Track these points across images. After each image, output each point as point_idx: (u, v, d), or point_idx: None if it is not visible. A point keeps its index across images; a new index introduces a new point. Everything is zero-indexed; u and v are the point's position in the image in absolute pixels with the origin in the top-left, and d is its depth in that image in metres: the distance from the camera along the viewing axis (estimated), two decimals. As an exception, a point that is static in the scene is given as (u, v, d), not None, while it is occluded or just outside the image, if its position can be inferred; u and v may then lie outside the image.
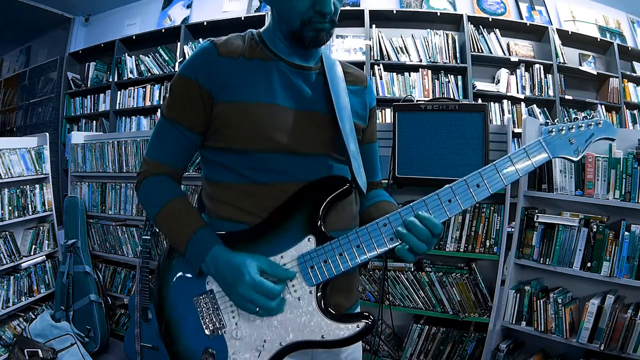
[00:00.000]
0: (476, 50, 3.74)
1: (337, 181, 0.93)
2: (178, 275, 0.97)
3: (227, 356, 0.89)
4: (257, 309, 0.84)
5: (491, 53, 3.78)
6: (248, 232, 0.92)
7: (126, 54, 4.51)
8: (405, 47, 3.81)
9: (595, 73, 3.94)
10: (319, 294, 0.88)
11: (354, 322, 0.87)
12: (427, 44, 3.80)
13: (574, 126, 0.86)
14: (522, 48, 3.90)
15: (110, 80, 4.56)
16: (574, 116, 0.87)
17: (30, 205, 3.07)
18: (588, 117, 0.87)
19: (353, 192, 0.97)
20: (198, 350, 0.91)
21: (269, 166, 0.92)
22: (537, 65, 3.79)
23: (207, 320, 0.91)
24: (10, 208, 2.91)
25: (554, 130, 0.86)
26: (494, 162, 0.85)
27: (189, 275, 0.94)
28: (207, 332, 0.91)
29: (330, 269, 0.87)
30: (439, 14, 3.79)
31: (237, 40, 0.96)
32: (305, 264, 0.88)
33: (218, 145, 0.94)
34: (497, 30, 3.86)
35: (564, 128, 0.86)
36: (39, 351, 2.58)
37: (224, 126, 0.92)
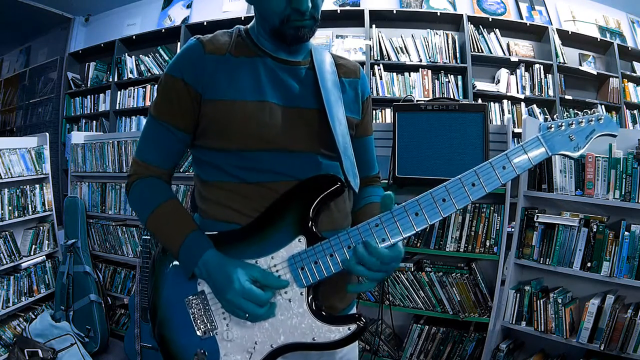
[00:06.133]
0: (476, 50, 3.74)
1: (328, 180, 0.90)
2: (170, 275, 0.96)
3: (218, 357, 0.88)
4: (247, 315, 0.84)
5: (491, 53, 3.79)
6: (239, 233, 0.90)
7: (126, 54, 4.51)
8: (405, 47, 3.81)
9: (595, 73, 3.94)
10: (310, 296, 0.87)
11: (346, 324, 0.85)
12: (427, 44, 3.80)
13: (574, 122, 0.83)
14: (522, 48, 3.90)
15: (110, 80, 4.56)
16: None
17: (30, 205, 3.07)
18: (589, 112, 0.85)
19: (346, 191, 0.95)
20: (191, 351, 0.90)
21: (258, 165, 0.90)
22: (537, 65, 3.79)
23: (198, 321, 0.91)
24: (10, 208, 2.91)
25: (553, 126, 0.83)
26: (490, 160, 0.83)
27: (180, 276, 0.93)
28: (199, 333, 0.90)
29: (321, 270, 0.85)
30: (439, 14, 3.79)
31: (224, 37, 0.95)
32: (296, 265, 0.86)
33: (207, 144, 0.93)
34: (497, 30, 3.86)
35: (563, 124, 0.83)
36: (39, 351, 2.58)
37: (212, 124, 0.90)
